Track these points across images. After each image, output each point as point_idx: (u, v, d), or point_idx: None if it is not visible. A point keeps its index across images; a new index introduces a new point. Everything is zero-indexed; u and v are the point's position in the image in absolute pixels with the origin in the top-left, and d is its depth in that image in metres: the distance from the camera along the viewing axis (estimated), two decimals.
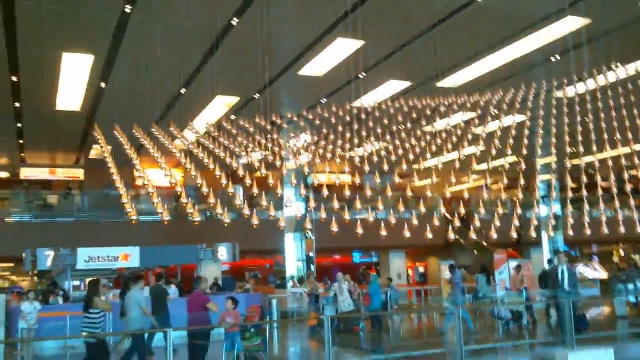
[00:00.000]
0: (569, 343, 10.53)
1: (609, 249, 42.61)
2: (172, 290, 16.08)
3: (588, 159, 14.74)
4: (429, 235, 17.84)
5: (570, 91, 13.62)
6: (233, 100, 18.58)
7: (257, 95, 17.96)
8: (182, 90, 17.63)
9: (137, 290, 11.59)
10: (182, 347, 9.94)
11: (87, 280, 13.56)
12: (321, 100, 18.58)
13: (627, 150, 11.93)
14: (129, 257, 17.34)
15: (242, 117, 15.86)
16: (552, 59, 15.98)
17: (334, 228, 17.63)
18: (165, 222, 12.19)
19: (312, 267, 21.44)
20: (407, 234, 20.35)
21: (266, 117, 15.31)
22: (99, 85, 17.63)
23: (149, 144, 14.34)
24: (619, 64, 13.59)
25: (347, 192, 12.67)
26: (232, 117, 18.77)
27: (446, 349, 12.28)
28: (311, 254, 21.84)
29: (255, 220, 10.61)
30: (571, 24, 13.91)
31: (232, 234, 21.81)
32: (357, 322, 15.01)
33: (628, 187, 12.06)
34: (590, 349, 10.34)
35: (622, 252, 43.26)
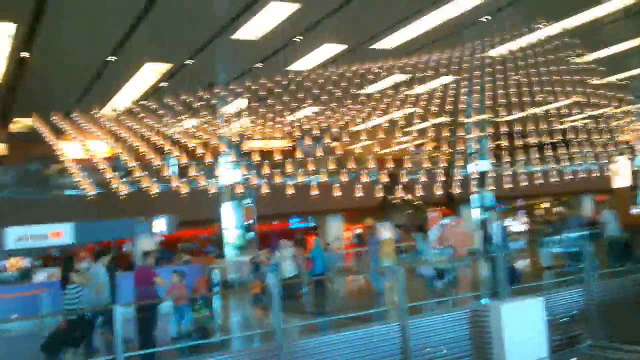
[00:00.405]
0: (502, 295, 10.95)
1: (534, 202, 44.46)
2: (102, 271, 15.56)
3: (515, 116, 15.16)
4: (360, 194, 18.17)
5: (498, 51, 13.95)
6: (164, 67, 18.13)
7: (189, 62, 17.55)
8: (111, 58, 17.02)
9: (98, 266, 11.17)
10: (128, 322, 9.81)
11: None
12: (256, 65, 18.34)
13: (552, 106, 12.38)
14: (62, 234, 16.77)
15: (174, 84, 15.51)
16: (484, 19, 16.26)
17: (265, 191, 17.73)
18: (92, 197, 11.88)
19: (252, 235, 21.39)
20: (340, 194, 20.60)
21: (199, 84, 15.01)
22: (21, 55, 16.78)
23: (77, 117, 13.87)
24: (544, 23, 13.96)
25: (282, 158, 12.65)
26: (164, 84, 18.34)
27: (387, 307, 12.61)
28: (249, 222, 21.78)
29: (185, 189, 10.49)
30: None
31: (167, 206, 21.48)
32: (300, 288, 15.18)
33: (553, 142, 12.55)
34: (521, 299, 10.80)
35: (546, 205, 45.25)
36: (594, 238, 16.45)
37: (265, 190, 19.37)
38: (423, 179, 23.65)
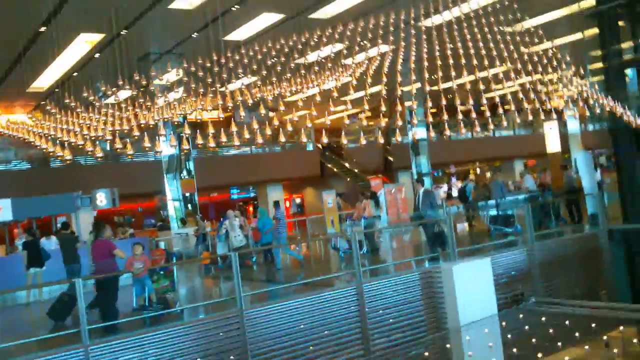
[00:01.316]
0: (451, 256, 11.47)
1: (467, 168, 45.81)
2: (53, 242, 15.45)
3: (448, 84, 15.54)
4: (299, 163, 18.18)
5: (433, 20, 14.27)
6: (97, 37, 17.64)
7: (124, 32, 17.16)
8: (42, 29, 16.44)
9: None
10: (88, 295, 9.81)
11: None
12: (192, 35, 18.10)
13: (484, 74, 12.84)
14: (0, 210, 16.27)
15: (108, 56, 15.11)
16: None
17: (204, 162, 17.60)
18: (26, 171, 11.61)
19: (196, 207, 21.30)
20: (283, 166, 20.65)
21: (134, 55, 14.70)
22: None
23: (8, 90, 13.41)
24: None
25: (220, 129, 12.58)
26: (97, 55, 17.89)
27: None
28: (188, 194, 21.65)
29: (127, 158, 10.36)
30: None
31: (106, 179, 21.15)
32: (250, 257, 15.35)
33: (487, 110, 13.05)
34: (470, 260, 11.37)
35: (478, 171, 46.68)
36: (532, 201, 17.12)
37: (203, 161, 19.34)
38: (361, 147, 24.05)
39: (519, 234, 14.65)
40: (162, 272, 10.74)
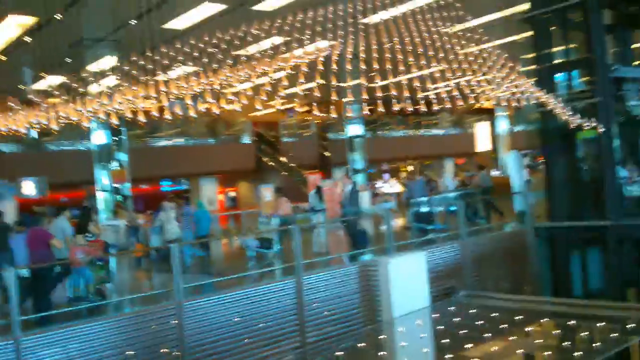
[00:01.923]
0: (388, 250, 11.64)
1: (399, 165, 46.64)
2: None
3: (387, 82, 15.72)
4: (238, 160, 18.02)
5: (375, 17, 14.47)
6: (29, 20, 16.93)
7: (59, 16, 16.53)
8: None
9: (63, 219, 10.95)
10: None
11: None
12: (130, 22, 17.63)
13: (420, 73, 13.11)
14: None
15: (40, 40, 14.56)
16: None
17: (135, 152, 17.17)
18: None
19: (128, 198, 20.74)
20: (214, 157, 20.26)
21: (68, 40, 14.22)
22: None
23: None
24: None
25: (153, 120, 12.31)
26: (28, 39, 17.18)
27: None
28: (121, 185, 21.06)
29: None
30: None
31: (33, 168, 20.42)
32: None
33: (421, 108, 13.31)
34: (406, 254, 11.56)
35: (410, 168, 47.61)
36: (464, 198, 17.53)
37: (135, 152, 18.86)
38: (297, 142, 24.09)
39: (438, 231, 15.01)
40: (99, 263, 10.59)
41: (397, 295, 10.71)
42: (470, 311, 10.93)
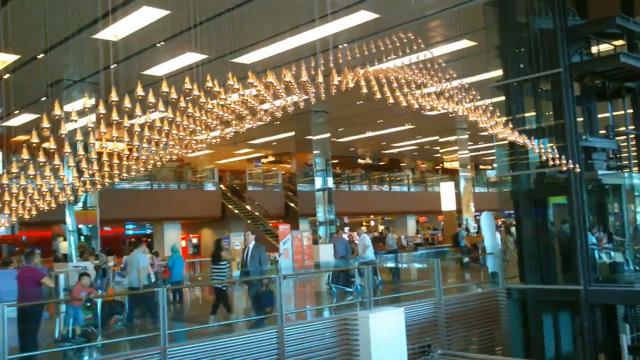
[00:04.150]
0: (368, 305, 11.57)
1: (362, 220, 46.90)
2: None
3: (351, 138, 15.98)
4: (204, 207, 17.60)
5: (338, 78, 14.86)
6: (12, 58, 16.76)
7: (41, 55, 16.45)
8: None
9: (139, 252, 13.04)
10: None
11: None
12: (111, 66, 17.66)
13: (388, 131, 13.38)
14: None
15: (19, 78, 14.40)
16: (340, 46, 17.18)
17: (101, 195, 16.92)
18: None
19: (94, 240, 20.29)
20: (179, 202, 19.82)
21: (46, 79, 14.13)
22: None
23: None
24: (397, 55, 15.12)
25: (121, 162, 12.23)
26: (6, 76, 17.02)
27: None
28: (91, 226, 20.61)
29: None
30: (363, 16, 15.42)
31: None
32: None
33: (387, 165, 13.58)
34: (386, 309, 11.59)
35: (371, 223, 47.90)
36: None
37: (101, 194, 18.53)
38: (263, 191, 23.89)
39: (358, 293, 14.97)
40: (87, 304, 10.47)
41: (376, 350, 10.67)
42: None
